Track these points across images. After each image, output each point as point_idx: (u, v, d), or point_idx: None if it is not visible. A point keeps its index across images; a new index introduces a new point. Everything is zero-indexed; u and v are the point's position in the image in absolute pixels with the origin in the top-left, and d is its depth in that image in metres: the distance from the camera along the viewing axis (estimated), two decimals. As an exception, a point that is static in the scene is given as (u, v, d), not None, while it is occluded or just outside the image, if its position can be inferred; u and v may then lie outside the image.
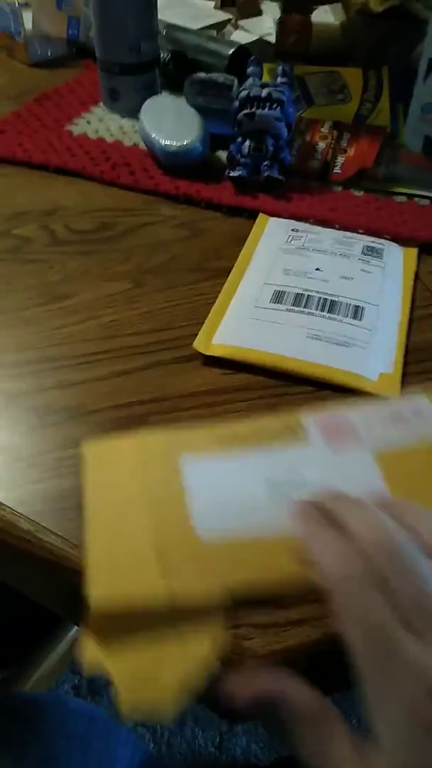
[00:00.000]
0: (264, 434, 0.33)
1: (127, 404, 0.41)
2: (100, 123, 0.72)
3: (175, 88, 0.77)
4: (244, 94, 0.60)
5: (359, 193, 0.61)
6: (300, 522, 0.27)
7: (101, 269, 0.52)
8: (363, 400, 0.34)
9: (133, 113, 0.69)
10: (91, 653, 0.27)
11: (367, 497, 0.28)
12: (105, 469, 0.32)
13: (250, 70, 0.65)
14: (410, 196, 0.61)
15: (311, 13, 0.74)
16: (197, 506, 0.30)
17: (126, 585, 0.28)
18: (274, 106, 0.59)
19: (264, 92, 0.59)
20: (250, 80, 0.63)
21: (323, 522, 0.27)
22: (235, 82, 0.68)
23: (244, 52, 0.77)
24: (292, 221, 0.57)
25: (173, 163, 0.62)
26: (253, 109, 0.59)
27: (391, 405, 0.35)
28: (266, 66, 0.71)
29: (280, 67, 0.65)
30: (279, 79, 0.65)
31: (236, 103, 0.61)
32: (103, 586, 0.28)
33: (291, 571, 0.28)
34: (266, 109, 0.59)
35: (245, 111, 0.59)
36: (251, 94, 0.59)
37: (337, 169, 0.63)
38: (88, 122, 0.72)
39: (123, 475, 0.32)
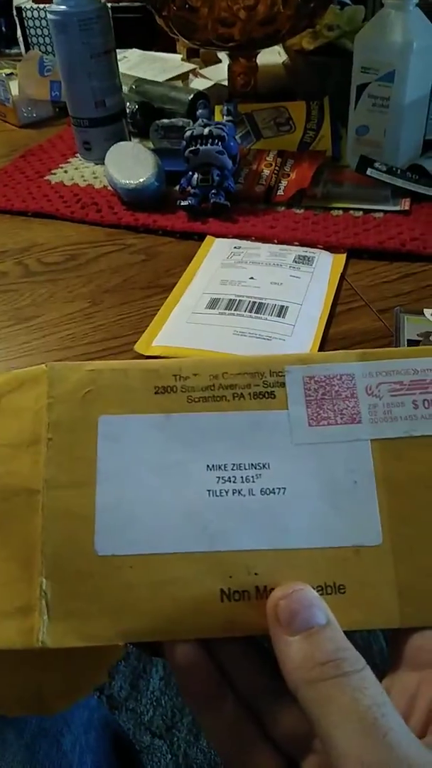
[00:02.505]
0: (223, 388, 0.27)
1: (76, 400, 0.47)
2: (75, 171, 0.81)
3: (144, 135, 0.86)
4: (188, 133, 0.68)
5: (300, 211, 0.68)
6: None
7: (65, 293, 0.59)
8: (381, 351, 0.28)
9: (104, 160, 0.78)
10: None
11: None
12: (27, 395, 0.27)
13: (198, 112, 0.73)
14: (346, 210, 0.68)
15: (255, 57, 0.82)
16: (103, 505, 0.25)
17: None
18: (216, 141, 0.67)
19: (206, 130, 0.67)
20: (198, 121, 0.71)
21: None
22: (191, 123, 0.76)
23: (202, 96, 0.86)
24: (236, 240, 0.64)
25: (133, 199, 0.70)
26: (197, 146, 0.67)
27: (420, 363, 0.28)
28: (218, 107, 0.79)
29: (225, 107, 0.73)
30: (225, 118, 0.73)
31: (184, 142, 0.69)
32: None
33: (210, 611, 0.24)
34: (208, 145, 0.67)
35: (190, 148, 0.67)
36: (194, 133, 0.67)
37: (280, 192, 0.70)
38: (65, 171, 0.82)
39: (30, 412, 0.26)
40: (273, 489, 0.26)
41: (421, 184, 0.70)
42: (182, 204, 0.68)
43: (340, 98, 0.77)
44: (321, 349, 0.50)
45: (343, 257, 0.61)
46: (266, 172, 0.72)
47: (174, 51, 1.15)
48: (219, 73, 0.94)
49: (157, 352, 0.50)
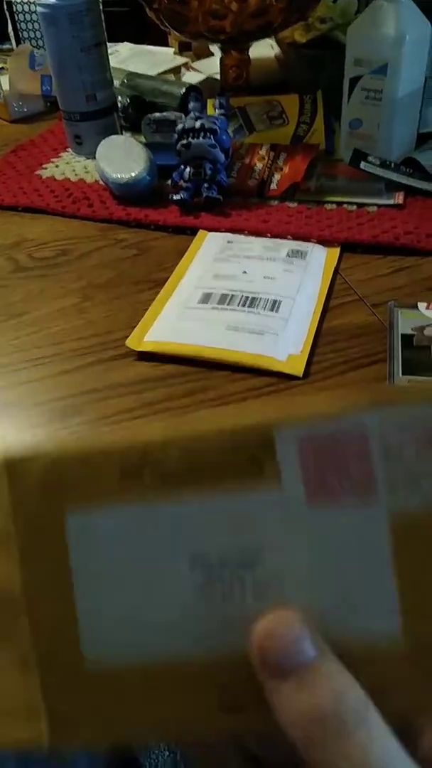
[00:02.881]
0: (200, 466, 0.22)
1: (68, 396, 0.47)
2: (66, 166, 0.81)
3: (136, 129, 0.85)
4: (180, 127, 0.67)
5: (293, 205, 0.68)
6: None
7: (56, 288, 0.59)
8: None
9: (96, 154, 0.77)
10: None
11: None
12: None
13: (190, 105, 0.73)
14: (339, 204, 0.67)
15: (247, 50, 0.82)
16: (85, 611, 0.22)
17: None
18: (207, 135, 0.66)
19: (197, 124, 0.67)
20: (190, 114, 0.70)
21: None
22: (183, 117, 0.75)
23: (194, 90, 0.85)
24: (229, 234, 0.64)
25: (125, 193, 0.70)
26: (189, 140, 0.66)
27: None
28: (210, 101, 0.79)
29: (217, 100, 0.72)
30: (217, 111, 0.72)
31: (175, 136, 0.68)
32: None
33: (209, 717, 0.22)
34: (200, 138, 0.66)
35: (182, 142, 0.67)
36: (186, 126, 0.67)
37: (273, 186, 0.70)
38: (57, 166, 0.81)
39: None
40: (268, 586, 0.22)
41: (415, 177, 0.69)
42: (174, 198, 0.67)
43: (333, 91, 0.76)
44: (314, 343, 0.50)
45: (336, 251, 0.61)
46: (259, 165, 0.72)
47: (166, 44, 1.14)
48: (211, 66, 0.94)
49: (149, 347, 0.50)
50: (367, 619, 0.22)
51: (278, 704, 0.20)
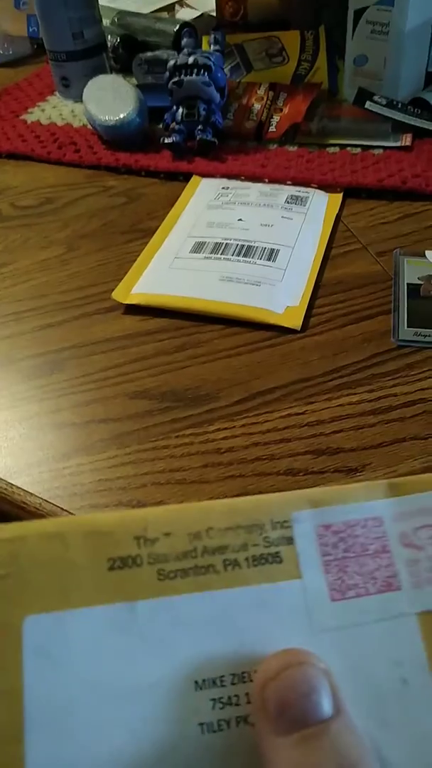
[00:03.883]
0: (210, 553, 0.19)
1: (50, 352, 0.44)
2: (53, 110, 0.76)
3: (128, 71, 0.80)
4: (171, 63, 0.62)
5: (293, 149, 0.63)
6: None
7: (40, 238, 0.55)
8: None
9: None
10: None
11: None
12: None
13: (184, 42, 0.67)
14: (343, 147, 0.63)
15: (246, -17, 0.76)
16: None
17: None
18: (201, 71, 0.62)
19: (190, 59, 0.62)
20: (183, 51, 0.65)
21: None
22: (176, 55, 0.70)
23: (189, 27, 0.79)
24: (224, 180, 0.60)
25: (114, 137, 0.65)
26: (181, 77, 0.62)
27: None
28: (206, 38, 0.73)
29: (212, 36, 0.67)
30: (212, 47, 0.68)
31: (167, 74, 0.63)
32: None
33: None
34: (193, 76, 0.62)
35: (174, 79, 0.62)
36: (178, 63, 0.62)
37: (272, 128, 0.65)
38: (42, 110, 0.76)
39: None
40: None
41: (423, 118, 0.65)
42: (166, 142, 0.63)
43: (337, 27, 0.71)
44: (314, 294, 0.47)
45: (339, 197, 0.57)
46: (257, 106, 0.67)
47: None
48: (207, 2, 0.88)
49: (137, 300, 0.47)
50: (409, 743, 0.17)
51: (267, 750, 0.16)
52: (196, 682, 0.17)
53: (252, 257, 0.49)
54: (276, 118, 0.66)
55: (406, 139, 0.63)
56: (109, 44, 0.80)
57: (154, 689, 0.17)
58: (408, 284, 0.46)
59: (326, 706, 0.16)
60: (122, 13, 0.86)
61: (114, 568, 0.18)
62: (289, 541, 0.19)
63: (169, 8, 0.90)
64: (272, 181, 0.59)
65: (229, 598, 0.18)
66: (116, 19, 0.85)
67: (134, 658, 0.17)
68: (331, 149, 0.63)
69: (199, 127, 0.62)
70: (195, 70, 0.62)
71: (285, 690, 0.16)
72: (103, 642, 0.17)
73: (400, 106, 0.65)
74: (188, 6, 0.88)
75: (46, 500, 0.34)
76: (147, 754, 0.16)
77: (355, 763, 0.15)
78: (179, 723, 0.17)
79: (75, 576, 0.18)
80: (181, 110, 0.63)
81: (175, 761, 0.16)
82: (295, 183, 0.58)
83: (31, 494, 0.35)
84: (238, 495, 0.33)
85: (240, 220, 0.53)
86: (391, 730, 0.17)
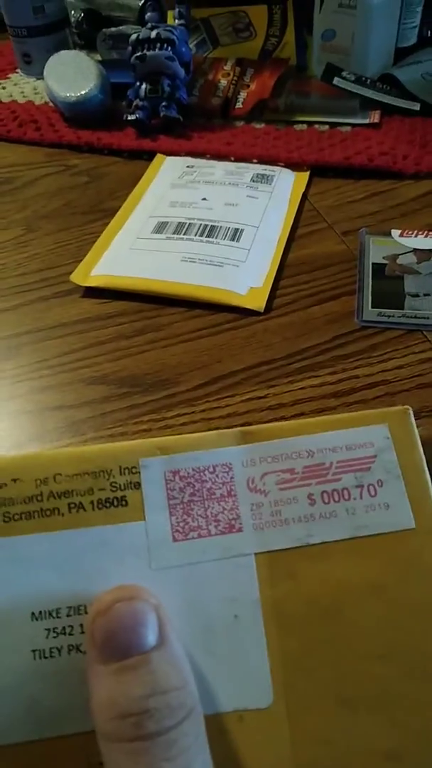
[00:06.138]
0: (55, 497, 0.20)
1: (4, 337, 0.42)
2: (14, 87, 0.74)
3: (92, 47, 0.77)
4: (134, 37, 0.60)
5: (260, 126, 0.62)
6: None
7: (-3, 220, 0.53)
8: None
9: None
10: None
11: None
12: None
13: (147, 16, 0.66)
14: (310, 124, 0.62)
15: None
16: None
17: None
18: (165, 46, 0.60)
19: (153, 33, 0.60)
20: (147, 25, 0.63)
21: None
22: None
23: (153, 1, 0.77)
24: (189, 158, 0.58)
25: (75, 114, 0.63)
26: (144, 51, 0.60)
27: (315, 440, 0.21)
28: (171, 12, 0.71)
29: (177, 10, 0.65)
30: (177, 21, 0.66)
31: (129, 49, 0.61)
32: None
33: None
34: (156, 50, 0.60)
35: (136, 54, 0.60)
36: (140, 37, 0.60)
37: (238, 105, 0.64)
38: (3, 88, 0.74)
39: None
40: None
41: (392, 95, 0.64)
42: (129, 119, 0.61)
43: (305, 0, 0.69)
44: (278, 274, 0.45)
45: (305, 175, 0.55)
46: (223, 82, 0.65)
47: None
48: (173, -25, 0.85)
49: (96, 282, 0.45)
50: (233, 676, 0.19)
51: (91, 678, 0.17)
52: (33, 614, 0.19)
53: (215, 237, 0.48)
54: (243, 95, 0.64)
55: (375, 117, 0.61)
56: (72, 19, 0.78)
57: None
58: (373, 264, 0.45)
59: (150, 638, 0.17)
60: (86, -13, 0.83)
61: None
62: (137, 486, 0.20)
63: (135, -19, 0.87)
64: (238, 159, 0.57)
65: (72, 538, 0.19)
66: (80, -7, 0.82)
67: None
68: (299, 126, 0.62)
69: (164, 103, 0.61)
70: (158, 45, 0.60)
71: (111, 622, 0.17)
72: None
73: (368, 82, 0.64)
74: (154, -21, 0.85)
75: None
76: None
77: (168, 690, 0.17)
78: (13, 650, 0.18)
79: None
80: (144, 86, 0.61)
81: (7, 684, 0.18)
82: (262, 161, 0.57)
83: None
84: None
85: (204, 199, 0.52)
86: (219, 661, 0.19)
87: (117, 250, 0.48)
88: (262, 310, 0.42)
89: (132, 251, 0.47)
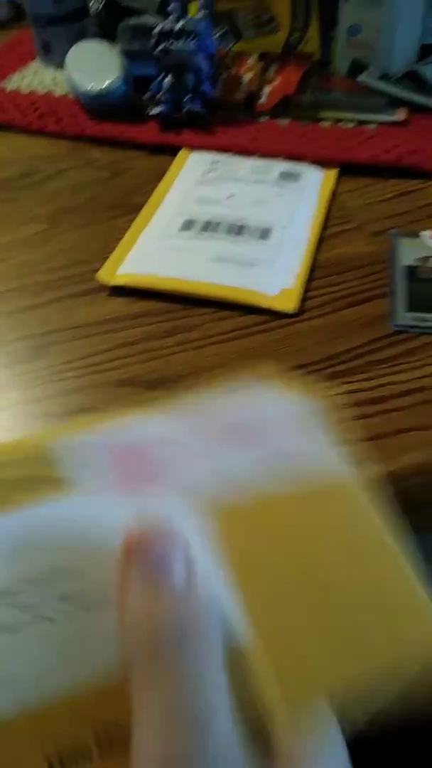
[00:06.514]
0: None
1: (30, 336, 0.42)
2: (34, 77, 0.72)
3: (112, 37, 0.76)
4: (157, 29, 0.59)
5: (285, 122, 0.61)
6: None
7: (20, 214, 0.53)
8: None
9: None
10: None
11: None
12: None
13: (170, 7, 0.64)
14: (336, 121, 0.61)
15: None
16: None
17: None
18: (190, 38, 0.59)
19: (177, 25, 0.59)
20: (170, 16, 0.62)
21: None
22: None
23: (175, -8, 0.76)
24: (214, 154, 0.57)
25: (97, 106, 0.62)
26: (169, 44, 0.59)
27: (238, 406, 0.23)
28: (194, 4, 0.70)
29: (200, 1, 0.64)
30: (200, 13, 0.64)
31: (153, 41, 0.60)
32: None
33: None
34: (181, 43, 0.59)
35: (160, 47, 0.59)
36: (164, 29, 0.59)
37: (262, 99, 0.63)
38: (23, 77, 0.73)
39: None
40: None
41: (418, 93, 0.63)
42: (153, 113, 0.60)
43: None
44: (311, 276, 0.45)
45: (333, 173, 0.54)
46: (247, 76, 0.64)
47: None
48: (194, -35, 0.84)
49: (123, 281, 0.44)
50: None
51: (124, 604, 0.17)
52: None
53: (244, 236, 0.47)
54: (267, 89, 0.63)
55: (402, 114, 0.60)
56: (91, 9, 0.77)
57: None
58: (404, 266, 0.44)
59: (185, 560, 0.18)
60: (105, -24, 0.82)
61: None
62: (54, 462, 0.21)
63: (155, -29, 0.86)
64: (264, 155, 0.57)
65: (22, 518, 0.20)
66: (99, -18, 0.81)
67: None
68: (324, 123, 0.61)
69: (188, 97, 0.60)
70: (183, 37, 0.59)
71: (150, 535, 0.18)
72: None
73: (394, 79, 0.63)
74: (175, -31, 0.84)
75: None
76: None
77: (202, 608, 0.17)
78: None
79: None
80: (168, 79, 0.60)
81: None
82: (288, 158, 0.56)
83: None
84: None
85: (231, 196, 0.51)
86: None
87: (144, 249, 0.47)
88: (294, 312, 0.42)
89: (159, 249, 0.46)
